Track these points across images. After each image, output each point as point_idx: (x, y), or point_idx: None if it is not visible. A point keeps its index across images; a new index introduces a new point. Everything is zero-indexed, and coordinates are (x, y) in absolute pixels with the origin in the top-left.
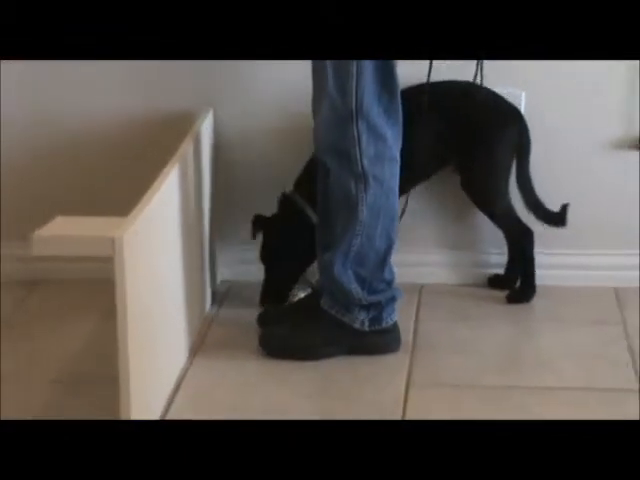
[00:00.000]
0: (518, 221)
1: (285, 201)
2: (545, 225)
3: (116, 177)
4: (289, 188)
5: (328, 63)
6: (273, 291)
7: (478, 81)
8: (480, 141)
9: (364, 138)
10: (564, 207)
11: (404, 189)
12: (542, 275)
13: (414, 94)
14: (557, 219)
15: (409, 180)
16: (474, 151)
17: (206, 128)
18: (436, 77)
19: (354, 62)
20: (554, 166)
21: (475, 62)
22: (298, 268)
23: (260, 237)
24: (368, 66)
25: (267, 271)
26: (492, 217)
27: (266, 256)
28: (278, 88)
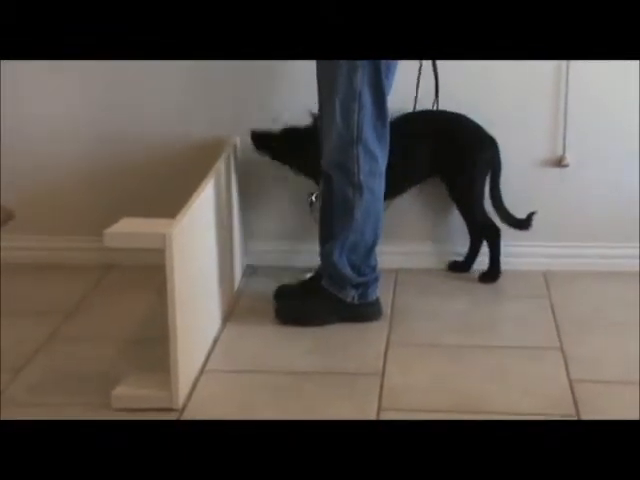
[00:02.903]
0: (491, 222)
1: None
2: (511, 228)
3: (166, 188)
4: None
5: (336, 100)
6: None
7: (436, 104)
8: (464, 162)
9: (362, 158)
10: (530, 215)
11: (403, 190)
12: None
13: (413, 120)
14: (523, 224)
15: (407, 183)
16: (459, 169)
17: (235, 150)
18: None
19: (356, 101)
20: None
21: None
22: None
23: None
24: (367, 104)
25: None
26: (471, 220)
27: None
28: (289, 116)
